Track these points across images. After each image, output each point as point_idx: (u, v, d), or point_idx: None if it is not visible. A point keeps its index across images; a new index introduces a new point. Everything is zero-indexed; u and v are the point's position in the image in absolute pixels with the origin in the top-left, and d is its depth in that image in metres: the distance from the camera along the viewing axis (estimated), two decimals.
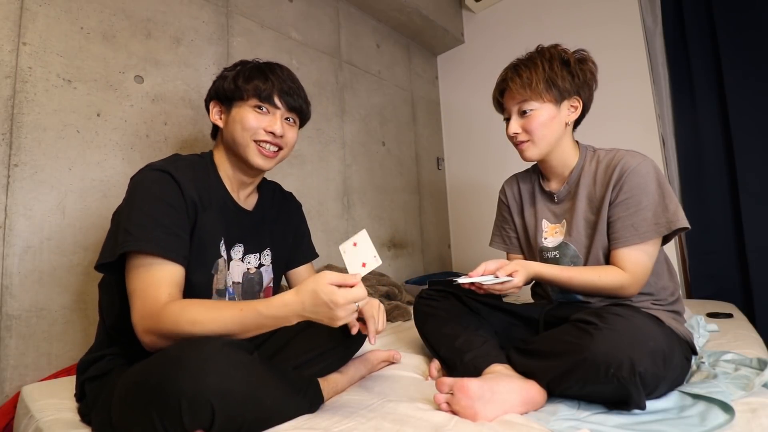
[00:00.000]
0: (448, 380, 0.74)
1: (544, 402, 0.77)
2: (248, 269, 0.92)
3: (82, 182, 1.18)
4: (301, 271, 1.06)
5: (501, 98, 1.04)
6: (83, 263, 1.15)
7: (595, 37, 2.03)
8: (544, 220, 1.07)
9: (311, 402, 0.76)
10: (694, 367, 0.88)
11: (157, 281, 0.70)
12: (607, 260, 0.95)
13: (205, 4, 1.53)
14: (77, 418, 0.78)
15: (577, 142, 1.05)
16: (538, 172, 1.12)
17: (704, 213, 1.78)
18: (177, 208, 0.76)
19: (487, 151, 2.52)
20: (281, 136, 0.89)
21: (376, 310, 0.83)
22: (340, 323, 0.66)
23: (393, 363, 1.06)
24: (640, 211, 0.90)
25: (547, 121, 0.96)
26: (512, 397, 0.72)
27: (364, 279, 1.80)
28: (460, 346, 0.91)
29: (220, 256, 0.85)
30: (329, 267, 1.71)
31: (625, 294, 0.91)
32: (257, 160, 0.87)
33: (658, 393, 0.74)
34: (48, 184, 1.12)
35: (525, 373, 0.81)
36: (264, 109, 0.88)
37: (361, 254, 0.73)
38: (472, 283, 0.87)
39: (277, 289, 1.00)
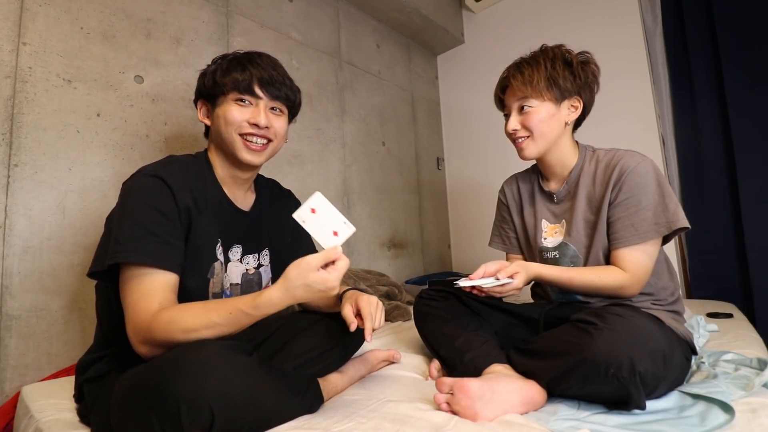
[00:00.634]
0: (448, 380, 0.74)
1: (544, 402, 0.77)
2: (247, 270, 0.92)
3: (82, 182, 1.18)
4: None
5: (502, 95, 1.05)
6: (83, 263, 1.15)
7: (595, 36, 2.03)
8: (543, 220, 1.07)
9: (311, 403, 0.76)
10: (694, 367, 0.88)
11: (149, 292, 0.69)
12: (607, 260, 0.95)
13: (205, 4, 1.53)
14: (77, 418, 0.78)
15: (576, 142, 1.05)
16: (537, 172, 1.12)
17: (704, 213, 1.78)
18: (169, 215, 0.74)
19: (487, 151, 2.52)
20: (267, 127, 0.86)
21: (374, 308, 0.82)
22: (334, 292, 0.68)
23: (393, 363, 1.05)
24: (639, 211, 0.90)
25: (546, 119, 0.96)
26: (512, 397, 0.72)
27: (364, 280, 1.80)
28: (460, 346, 0.91)
29: (217, 260, 0.84)
30: None
31: (626, 294, 0.91)
32: (245, 155, 0.85)
33: (658, 393, 0.74)
34: (48, 184, 1.12)
35: (525, 373, 0.81)
36: (246, 102, 0.85)
37: (327, 222, 0.67)
38: (473, 287, 0.86)
39: None
